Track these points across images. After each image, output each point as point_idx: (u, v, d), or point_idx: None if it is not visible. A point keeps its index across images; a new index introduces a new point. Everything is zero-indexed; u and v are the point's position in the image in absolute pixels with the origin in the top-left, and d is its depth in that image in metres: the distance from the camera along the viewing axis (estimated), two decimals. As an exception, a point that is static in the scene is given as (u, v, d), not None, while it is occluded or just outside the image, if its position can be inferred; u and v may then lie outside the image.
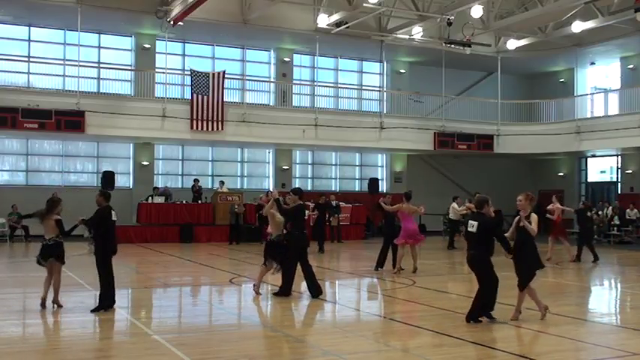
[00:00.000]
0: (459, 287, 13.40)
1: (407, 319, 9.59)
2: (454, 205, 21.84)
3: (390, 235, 15.08)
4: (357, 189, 30.14)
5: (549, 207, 17.84)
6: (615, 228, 25.64)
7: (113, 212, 9.85)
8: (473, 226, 9.00)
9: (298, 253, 11.24)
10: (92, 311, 9.62)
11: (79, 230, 10.26)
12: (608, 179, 30.73)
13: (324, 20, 24.37)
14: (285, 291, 11.16)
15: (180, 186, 26.99)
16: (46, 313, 9.74)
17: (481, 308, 9.11)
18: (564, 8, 22.29)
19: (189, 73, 24.52)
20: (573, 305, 11.60)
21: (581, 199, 18.81)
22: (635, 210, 25.78)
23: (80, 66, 23.23)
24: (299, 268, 11.32)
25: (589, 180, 31.24)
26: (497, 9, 25.20)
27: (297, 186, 20.94)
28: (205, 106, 23.77)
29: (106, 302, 9.73)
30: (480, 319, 9.11)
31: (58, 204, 10.10)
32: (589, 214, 19.12)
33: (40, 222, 10.08)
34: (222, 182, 25.36)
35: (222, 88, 24.08)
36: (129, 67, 25.89)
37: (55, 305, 9.89)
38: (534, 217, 9.12)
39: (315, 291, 11.18)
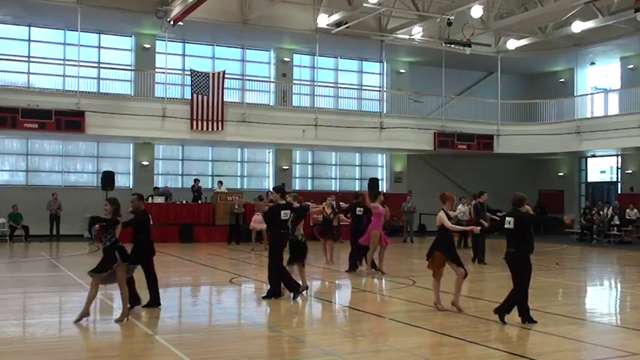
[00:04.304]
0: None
1: (407, 319, 9.58)
2: (460, 206, 21.80)
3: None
4: (357, 189, 30.09)
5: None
6: (615, 228, 25.59)
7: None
8: (510, 222, 9.11)
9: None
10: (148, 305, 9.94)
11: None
12: (608, 179, 30.72)
13: (324, 20, 24.38)
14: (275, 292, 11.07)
15: (180, 186, 26.98)
16: (44, 313, 9.73)
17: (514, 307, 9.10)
18: (564, 8, 22.30)
19: (189, 73, 24.52)
20: (573, 305, 11.63)
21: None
22: (635, 210, 25.76)
23: (80, 66, 23.24)
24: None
25: (589, 180, 31.23)
26: (497, 9, 25.22)
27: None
28: (205, 106, 23.77)
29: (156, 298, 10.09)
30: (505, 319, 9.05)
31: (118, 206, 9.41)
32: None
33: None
34: (220, 182, 25.35)
35: (222, 88, 24.07)
36: (129, 67, 25.89)
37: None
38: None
39: None
